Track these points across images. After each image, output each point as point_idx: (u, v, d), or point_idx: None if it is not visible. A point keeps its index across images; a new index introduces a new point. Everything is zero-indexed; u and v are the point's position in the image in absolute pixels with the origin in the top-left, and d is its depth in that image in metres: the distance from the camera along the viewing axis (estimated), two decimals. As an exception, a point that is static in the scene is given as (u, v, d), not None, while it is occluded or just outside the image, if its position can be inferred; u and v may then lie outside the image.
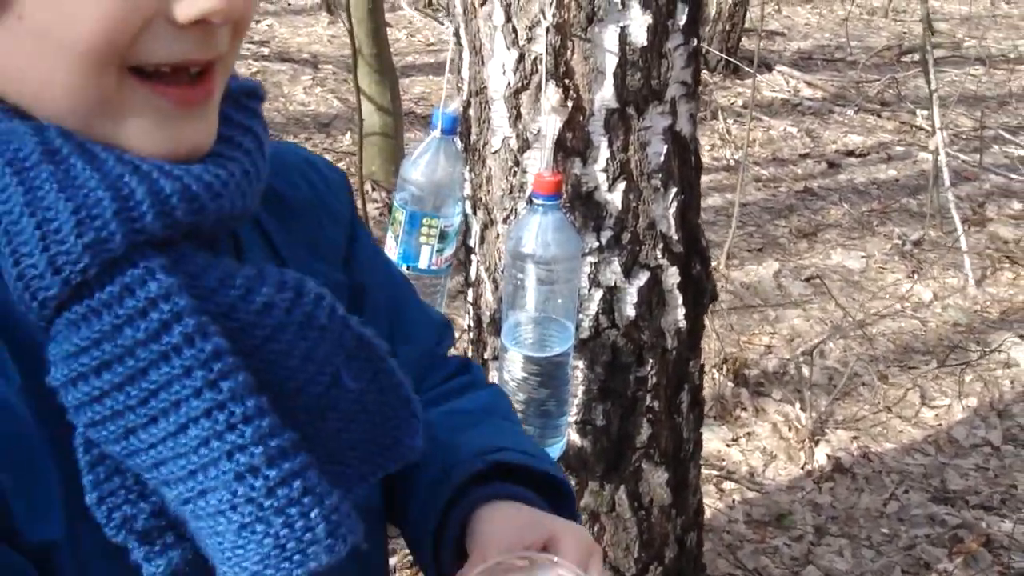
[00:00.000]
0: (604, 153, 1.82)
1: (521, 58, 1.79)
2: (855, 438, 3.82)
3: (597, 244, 1.88)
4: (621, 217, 1.87)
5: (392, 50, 5.85)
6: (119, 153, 0.75)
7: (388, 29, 5.90)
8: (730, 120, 6.98)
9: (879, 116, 7.56)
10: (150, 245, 0.75)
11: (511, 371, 1.86)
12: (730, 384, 3.99)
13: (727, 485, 3.50)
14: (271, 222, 0.98)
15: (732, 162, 6.38)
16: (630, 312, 1.94)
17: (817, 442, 3.74)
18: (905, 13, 10.34)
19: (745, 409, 3.91)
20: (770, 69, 8.18)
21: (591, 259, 1.89)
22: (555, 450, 1.93)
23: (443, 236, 1.95)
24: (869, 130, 7.28)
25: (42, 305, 0.74)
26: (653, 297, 1.95)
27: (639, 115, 1.81)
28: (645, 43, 1.77)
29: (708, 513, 3.26)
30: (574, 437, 2.02)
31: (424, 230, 1.94)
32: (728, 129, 6.83)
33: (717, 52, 7.81)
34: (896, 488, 3.54)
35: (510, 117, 1.84)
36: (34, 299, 0.73)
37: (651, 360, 1.99)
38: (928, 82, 5.40)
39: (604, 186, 1.84)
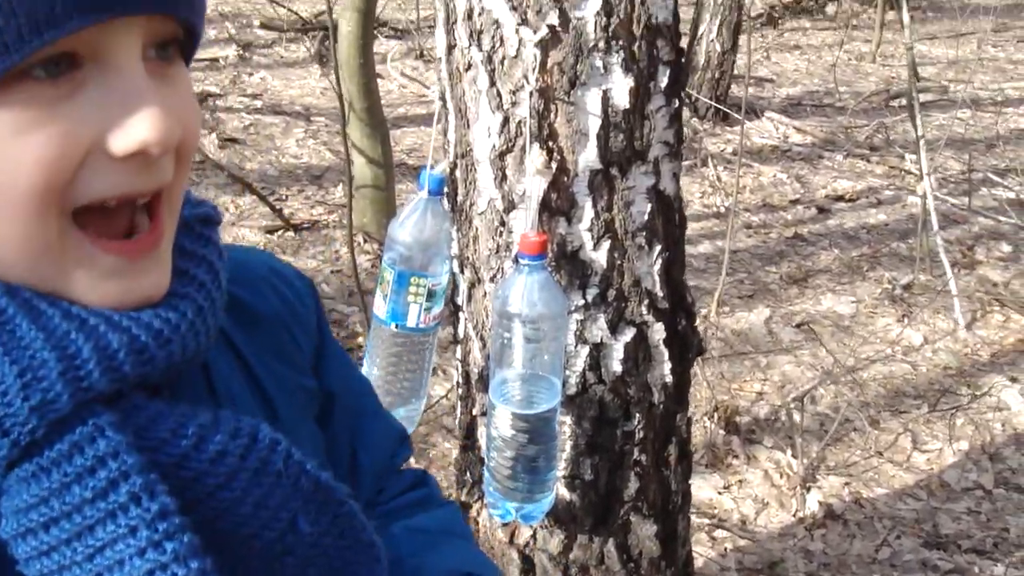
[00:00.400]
0: (589, 213, 1.85)
1: (506, 121, 1.83)
2: (847, 484, 3.84)
3: (583, 301, 1.91)
4: (606, 275, 1.90)
5: (384, 101, 5.91)
6: (67, 307, 0.76)
7: (380, 80, 5.96)
8: (720, 167, 7.04)
9: (868, 161, 7.63)
10: (99, 400, 0.75)
11: (499, 427, 1.89)
12: (721, 432, 4.01)
13: (719, 533, 3.52)
14: (238, 332, 0.98)
15: (722, 209, 6.43)
16: (617, 368, 1.97)
17: (809, 489, 3.76)
18: (892, 57, 10.44)
19: (736, 456, 3.93)
20: (760, 115, 8.25)
21: (577, 316, 1.92)
22: (543, 505, 1.95)
23: (431, 295, 1.98)
24: (858, 175, 7.34)
25: None
26: (639, 353, 1.98)
27: (623, 175, 1.85)
28: (627, 105, 1.81)
29: (700, 562, 3.28)
30: (563, 491, 2.04)
31: (412, 289, 1.97)
32: (718, 176, 6.89)
33: (706, 99, 7.89)
34: (888, 534, 3.56)
35: (496, 178, 1.88)
36: None
37: (638, 414, 2.02)
38: (915, 128, 5.46)
39: (589, 245, 1.88)
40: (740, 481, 3.80)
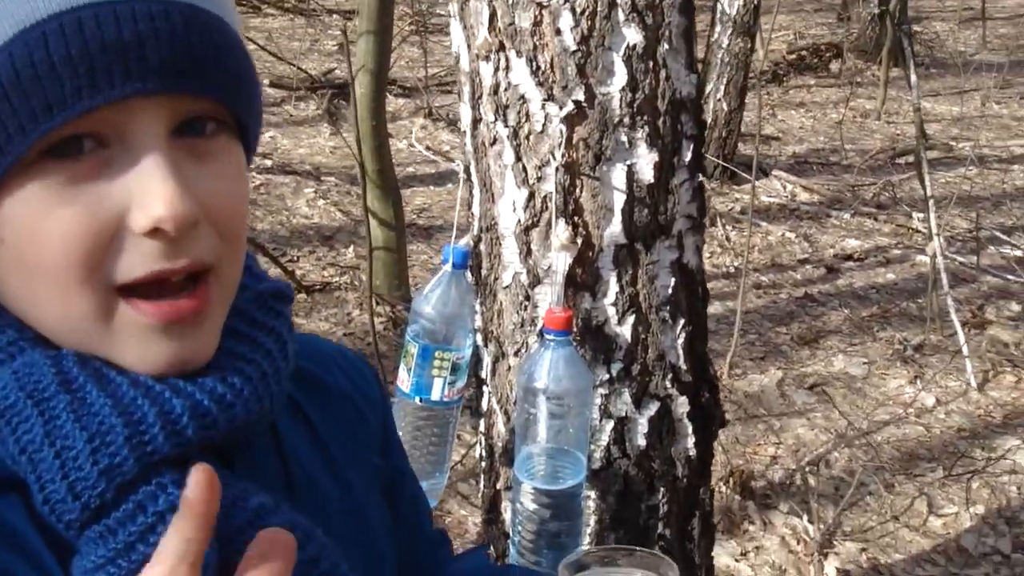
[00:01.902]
0: (613, 287, 1.85)
1: (531, 196, 1.83)
2: (863, 550, 3.80)
3: (608, 376, 1.90)
4: (631, 349, 1.89)
5: (394, 160, 5.93)
6: (134, 376, 0.78)
7: (390, 140, 5.99)
8: (729, 226, 7.06)
9: (875, 219, 7.63)
10: (165, 463, 0.76)
11: (523, 503, 1.87)
12: (737, 497, 3.99)
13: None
14: (312, 408, 1.00)
15: (731, 269, 6.44)
16: (641, 442, 1.96)
17: (826, 555, 3.73)
18: (897, 115, 10.48)
19: (753, 522, 3.90)
20: (767, 174, 8.27)
21: (602, 391, 1.91)
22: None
23: (455, 368, 1.98)
24: (866, 233, 7.34)
25: (67, 527, 0.75)
26: (663, 427, 1.97)
27: (647, 250, 1.85)
28: (652, 180, 1.81)
29: (719, 631, 3.24)
30: (587, 567, 2.02)
31: (436, 363, 1.97)
32: (727, 236, 6.90)
33: (714, 159, 7.92)
34: (908, 602, 3.52)
35: (520, 253, 1.88)
36: (59, 521, 0.75)
37: (662, 488, 2.00)
38: (924, 187, 5.47)
39: (614, 319, 1.87)
40: (757, 548, 3.77)
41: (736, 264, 6.43)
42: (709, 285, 5.79)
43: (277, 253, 6.21)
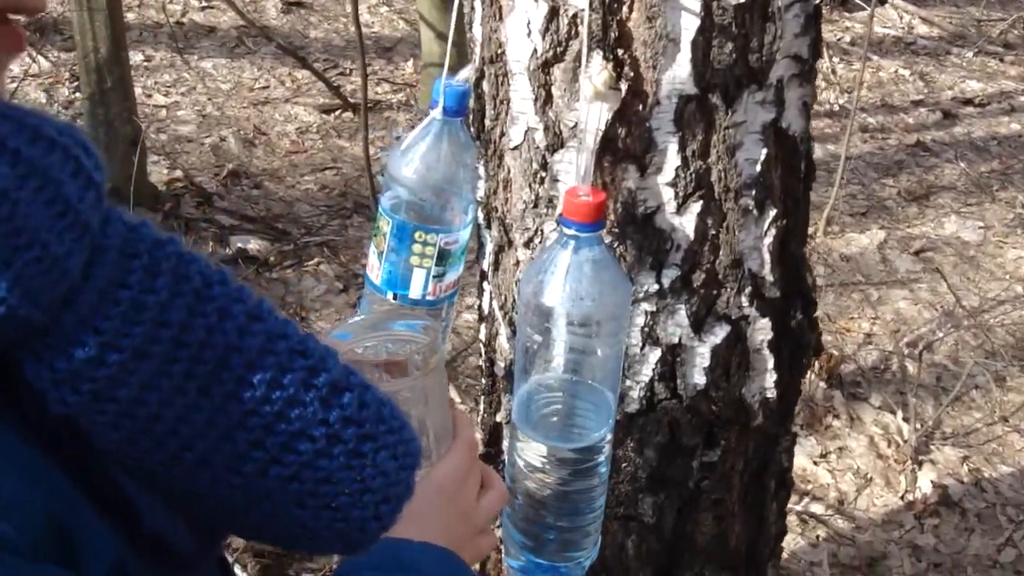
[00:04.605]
0: (673, 159, 1.23)
1: (554, 13, 1.20)
2: (965, 458, 3.21)
3: (657, 287, 1.30)
4: (693, 250, 1.29)
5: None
6: None
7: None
8: (836, 58, 6.26)
9: (1001, 60, 6.77)
10: None
11: (523, 458, 1.31)
12: (822, 384, 3.40)
13: (812, 510, 2.93)
14: None
15: (836, 107, 5.69)
16: (698, 379, 1.37)
17: (921, 464, 3.15)
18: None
19: (838, 416, 3.32)
20: (882, 2, 7.38)
21: (647, 306, 1.32)
22: (581, 564, 1.38)
23: (443, 256, 1.39)
24: (990, 76, 6.50)
25: None
26: (733, 359, 1.37)
27: (727, 106, 1.22)
28: (743, -1, 1.17)
29: (785, 552, 2.70)
30: (613, 535, 1.47)
31: (417, 248, 1.38)
32: (833, 68, 6.11)
33: (824, -20, 7.04)
34: (1014, 530, 2.94)
35: (536, 100, 1.26)
36: None
37: (724, 441, 1.42)
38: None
39: (671, 206, 1.26)
40: (840, 449, 3.19)
41: (841, 102, 5.68)
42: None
43: (328, 65, 5.60)
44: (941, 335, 3.80)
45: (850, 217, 4.65)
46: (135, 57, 5.13)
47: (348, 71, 5.64)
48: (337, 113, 5.11)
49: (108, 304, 0.60)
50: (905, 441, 3.20)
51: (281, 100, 5.22)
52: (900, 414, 3.31)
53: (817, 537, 2.86)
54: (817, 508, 2.94)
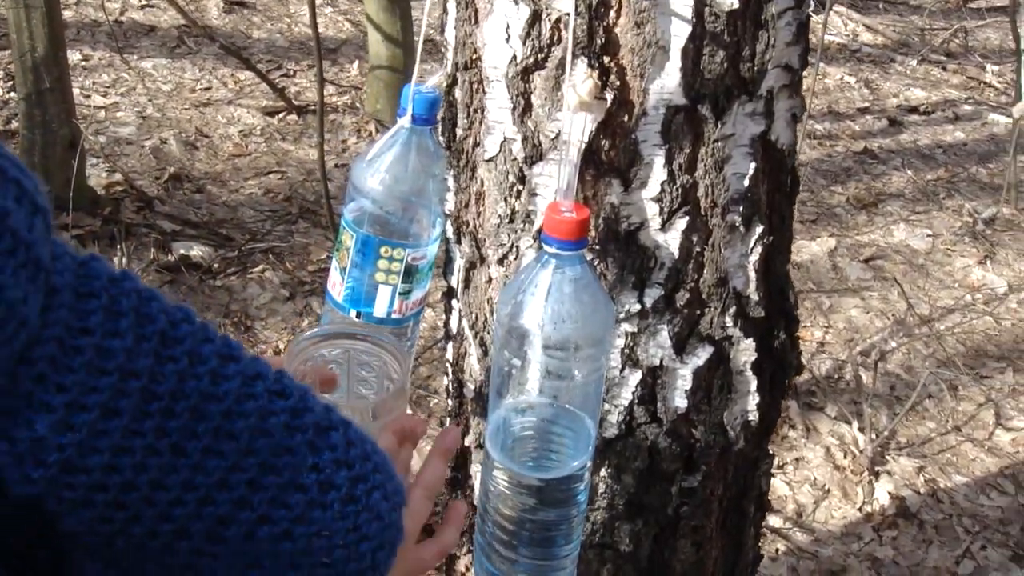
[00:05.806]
0: (659, 173, 1.17)
1: (536, 17, 1.13)
2: (921, 468, 3.19)
3: (639, 307, 1.24)
4: (677, 268, 1.22)
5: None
6: None
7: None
8: (782, 65, 6.24)
9: (944, 69, 6.82)
10: None
11: (497, 486, 1.24)
12: (777, 394, 3.36)
13: (770, 524, 2.89)
14: None
15: (783, 114, 5.67)
16: (680, 402, 1.31)
17: (877, 475, 3.12)
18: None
19: (794, 426, 3.29)
20: (825, 7, 7.41)
21: (627, 327, 1.25)
22: (556, 594, 1.32)
23: (409, 273, 1.31)
24: (933, 84, 6.55)
25: None
26: (715, 381, 1.31)
27: (717, 117, 1.16)
28: (736, 4, 1.11)
29: (746, 568, 2.66)
30: (589, 564, 1.40)
31: (382, 263, 1.31)
32: (780, 75, 6.09)
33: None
34: (971, 541, 2.92)
35: (515, 109, 1.19)
36: None
37: (704, 466, 1.36)
38: (1016, 37, 4.70)
39: (655, 223, 1.20)
40: (797, 460, 3.15)
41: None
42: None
43: (271, 66, 5.49)
44: (894, 344, 3.78)
45: (800, 224, 4.63)
46: (73, 56, 4.98)
47: (292, 72, 5.53)
48: (281, 116, 5.00)
49: (69, 355, 0.51)
50: (861, 451, 3.17)
51: (224, 102, 5.10)
52: (856, 424, 3.29)
53: (776, 551, 2.81)
54: (776, 521, 2.90)
